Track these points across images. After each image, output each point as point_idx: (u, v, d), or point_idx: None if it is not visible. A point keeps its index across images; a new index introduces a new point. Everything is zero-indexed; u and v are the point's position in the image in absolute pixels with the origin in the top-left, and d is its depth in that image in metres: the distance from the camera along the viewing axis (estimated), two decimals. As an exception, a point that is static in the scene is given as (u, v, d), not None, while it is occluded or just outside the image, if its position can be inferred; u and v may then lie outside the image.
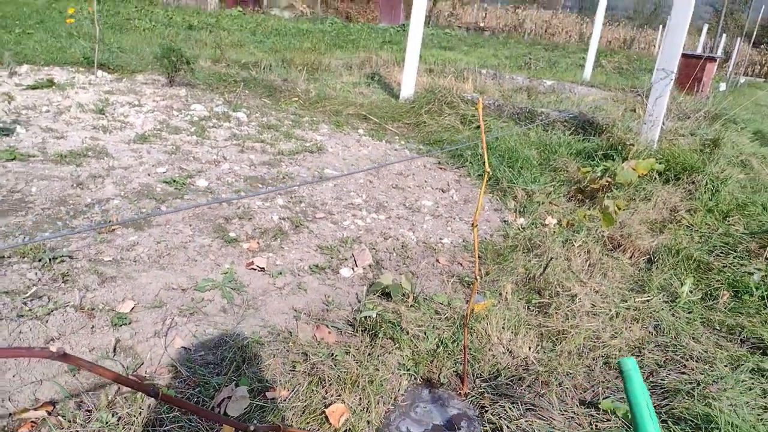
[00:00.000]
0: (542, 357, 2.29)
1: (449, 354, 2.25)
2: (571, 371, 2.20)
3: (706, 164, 4.63)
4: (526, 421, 1.90)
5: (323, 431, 1.78)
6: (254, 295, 2.52)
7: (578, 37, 30.81)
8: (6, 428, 1.61)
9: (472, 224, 1.80)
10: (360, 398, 1.93)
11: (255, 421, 1.76)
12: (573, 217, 3.75)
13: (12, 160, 3.61)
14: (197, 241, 2.92)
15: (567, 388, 2.11)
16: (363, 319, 2.35)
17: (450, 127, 6.07)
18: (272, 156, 4.52)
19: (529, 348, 2.34)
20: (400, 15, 27.64)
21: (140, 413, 1.71)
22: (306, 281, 2.71)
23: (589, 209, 3.85)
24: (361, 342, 2.26)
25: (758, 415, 1.95)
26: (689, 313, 2.75)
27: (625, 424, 1.90)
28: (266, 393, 1.90)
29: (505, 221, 3.83)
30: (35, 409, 1.67)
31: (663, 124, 5.34)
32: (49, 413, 1.68)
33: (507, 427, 1.88)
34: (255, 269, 2.73)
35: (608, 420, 1.94)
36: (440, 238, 3.44)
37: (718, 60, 12.60)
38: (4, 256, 2.46)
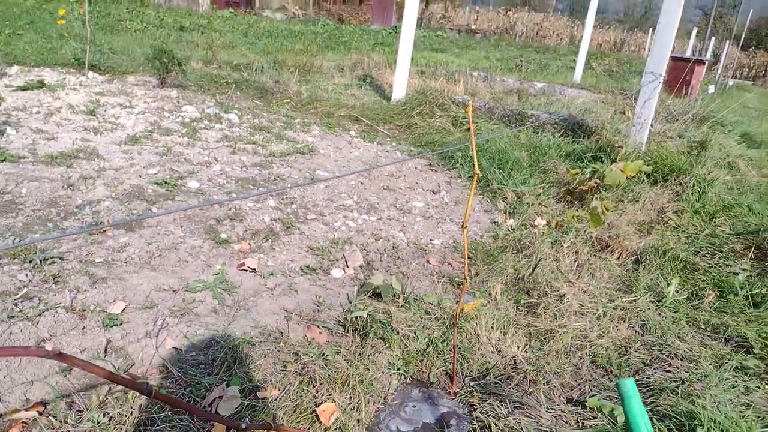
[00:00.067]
0: (530, 356, 2.32)
1: (439, 353, 2.27)
2: (558, 370, 2.23)
3: (694, 166, 4.69)
4: (514, 419, 1.93)
5: (314, 430, 1.80)
6: (245, 295, 2.54)
7: (569, 39, 31.02)
8: (-3, 428, 1.62)
9: (462, 225, 1.83)
10: (350, 397, 1.95)
11: (246, 420, 1.78)
12: (562, 219, 3.79)
13: (2, 161, 3.61)
14: (188, 242, 2.93)
15: (554, 386, 2.14)
16: (354, 319, 2.37)
17: (441, 129, 6.11)
18: (264, 157, 4.53)
19: (518, 347, 2.37)
20: (392, 17, 27.72)
21: (131, 413, 1.72)
22: (297, 282, 2.73)
23: (577, 210, 3.89)
24: (352, 342, 2.28)
25: (741, 412, 1.99)
26: (675, 312, 2.79)
27: (611, 422, 1.93)
28: (257, 393, 1.92)
29: (495, 222, 3.86)
30: (26, 410, 1.68)
31: (651, 126, 5.40)
32: (40, 413, 1.68)
33: (495, 424, 1.91)
34: (246, 270, 2.74)
35: (594, 418, 1.97)
36: (431, 239, 3.47)
37: (707, 63, 12.72)
38: (-6, 258, 2.46)
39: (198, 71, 7.63)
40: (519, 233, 3.56)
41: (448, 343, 2.31)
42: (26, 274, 2.37)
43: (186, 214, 3.23)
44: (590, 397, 2.07)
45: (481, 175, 4.46)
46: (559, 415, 1.98)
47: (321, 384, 1.97)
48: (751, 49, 33.85)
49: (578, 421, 1.96)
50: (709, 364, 2.33)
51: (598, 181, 4.13)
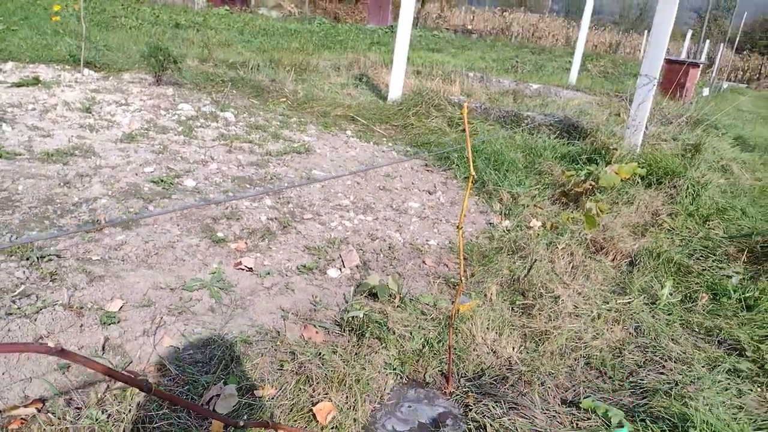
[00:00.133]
0: (525, 357, 2.34)
1: (435, 354, 2.29)
2: (553, 371, 2.25)
3: (688, 169, 4.73)
4: (509, 420, 1.95)
5: (311, 429, 1.81)
6: (242, 294, 2.55)
7: (565, 40, 31.13)
8: (-5, 426, 1.62)
9: (458, 226, 1.84)
10: (347, 397, 1.96)
11: (244, 418, 1.79)
12: (557, 220, 3.82)
13: (-2, 158, 3.60)
14: (185, 240, 2.93)
15: (549, 387, 2.16)
16: (350, 319, 2.38)
17: (437, 130, 6.12)
18: (260, 156, 4.53)
19: (513, 348, 2.39)
20: (388, 16, 27.74)
21: (130, 410, 1.73)
22: (294, 281, 2.74)
23: (572, 212, 3.92)
24: (348, 342, 2.29)
25: (733, 414, 2.02)
26: (669, 315, 2.82)
27: (605, 423, 1.96)
28: (254, 391, 1.93)
29: (490, 223, 3.88)
30: (25, 407, 1.68)
31: (646, 128, 5.44)
32: (39, 410, 1.69)
33: (490, 425, 1.93)
34: (243, 269, 2.75)
35: (588, 419, 1.99)
36: (427, 240, 3.48)
37: (701, 65, 12.79)
38: (-9, 255, 2.46)
39: (194, 69, 7.62)
40: (514, 234, 3.59)
41: (443, 344, 2.33)
42: (23, 272, 2.37)
43: (182, 213, 3.23)
44: (584, 398, 2.09)
45: (476, 176, 4.48)
46: (554, 416, 2.00)
47: (318, 383, 1.98)
48: (745, 52, 34.08)
49: (572, 422, 1.98)
50: (702, 367, 2.36)
51: (593, 183, 4.16)
